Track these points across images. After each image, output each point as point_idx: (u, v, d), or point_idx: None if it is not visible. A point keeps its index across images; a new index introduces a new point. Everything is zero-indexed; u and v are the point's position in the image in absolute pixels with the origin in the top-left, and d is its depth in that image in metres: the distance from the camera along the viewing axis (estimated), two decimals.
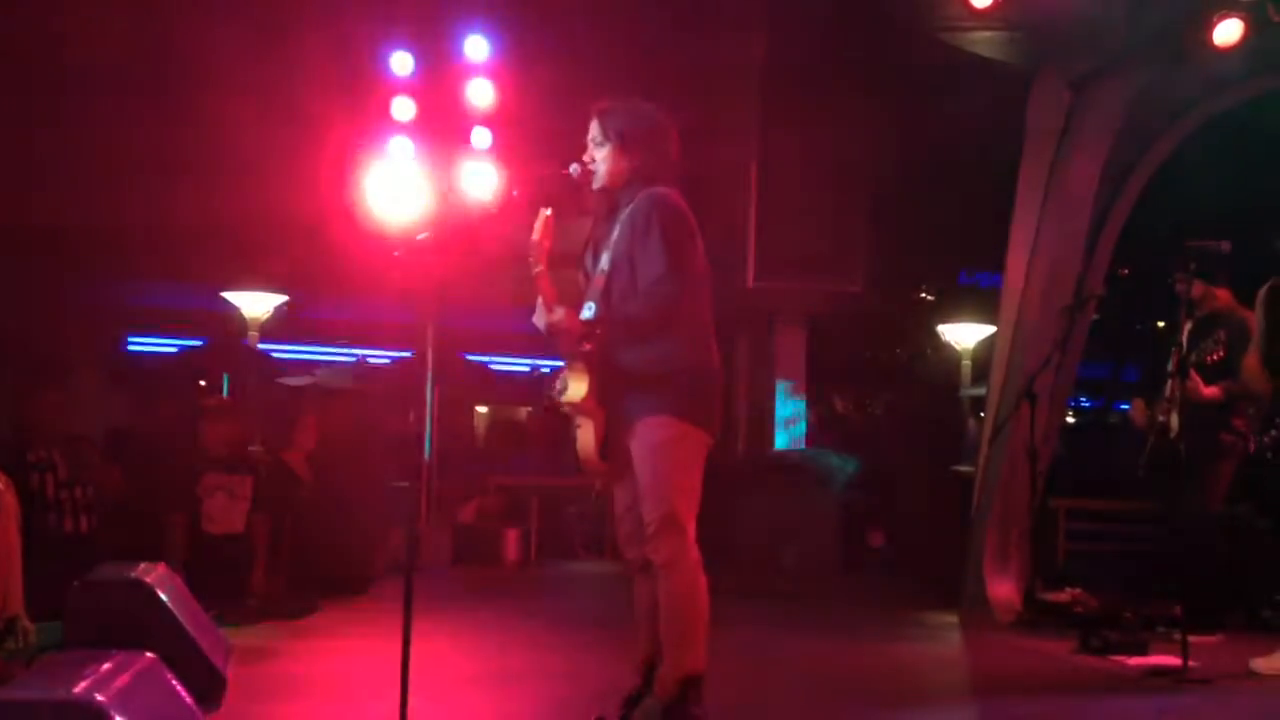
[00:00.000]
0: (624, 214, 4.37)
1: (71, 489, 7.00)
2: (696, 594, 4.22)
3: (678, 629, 4.21)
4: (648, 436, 4.23)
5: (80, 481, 7.05)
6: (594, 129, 4.46)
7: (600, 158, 4.43)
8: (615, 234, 4.38)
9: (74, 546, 6.72)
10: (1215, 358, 6.63)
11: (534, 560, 10.57)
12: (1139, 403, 7.21)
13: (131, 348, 15.33)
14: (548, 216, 4.29)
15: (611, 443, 4.32)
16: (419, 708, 4.11)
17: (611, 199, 4.46)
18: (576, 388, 4.25)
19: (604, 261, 4.39)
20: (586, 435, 4.30)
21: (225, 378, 12.56)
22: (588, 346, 4.27)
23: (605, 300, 4.33)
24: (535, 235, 4.28)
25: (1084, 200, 7.79)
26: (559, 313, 4.24)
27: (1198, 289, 6.70)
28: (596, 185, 4.43)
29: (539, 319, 4.30)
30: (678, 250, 4.23)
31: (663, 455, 4.22)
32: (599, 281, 4.38)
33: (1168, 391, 6.70)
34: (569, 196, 4.55)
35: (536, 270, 4.26)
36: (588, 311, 4.39)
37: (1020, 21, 7.70)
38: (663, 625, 4.24)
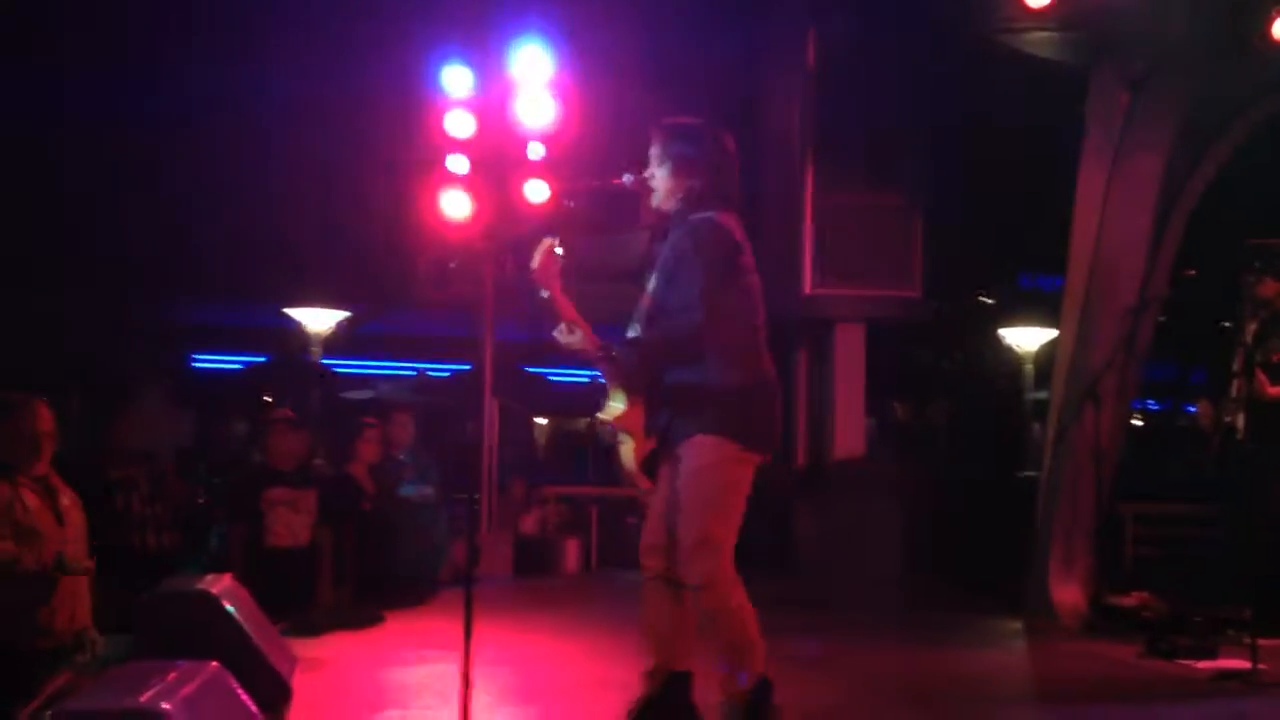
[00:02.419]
0: (673, 235, 4.42)
1: (153, 505, 7.12)
2: (733, 609, 4.26)
3: (727, 643, 4.26)
4: (693, 458, 4.27)
5: (160, 498, 7.18)
6: (654, 146, 4.49)
7: (659, 176, 4.46)
8: (663, 254, 4.44)
9: (158, 562, 6.82)
10: None
11: (594, 570, 10.59)
12: (1205, 404, 7.11)
13: (196, 365, 15.58)
14: (549, 244, 4.34)
15: (653, 458, 4.39)
16: (480, 717, 4.14)
17: (666, 219, 4.50)
18: (613, 405, 4.36)
19: (651, 282, 4.45)
20: (628, 450, 4.40)
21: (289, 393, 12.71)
22: (606, 366, 4.34)
23: (645, 321, 4.39)
24: (534, 263, 4.32)
25: (1146, 200, 7.68)
26: (577, 334, 4.32)
27: (1270, 287, 6.60)
28: (655, 204, 4.48)
29: (560, 337, 4.38)
30: (713, 279, 4.25)
31: (705, 478, 4.25)
32: (645, 301, 4.45)
33: (1234, 392, 6.59)
34: (623, 208, 4.59)
35: (543, 296, 4.32)
36: (632, 331, 4.46)
37: (1076, 20, 7.61)
38: (711, 644, 4.29)
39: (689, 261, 4.29)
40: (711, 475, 4.25)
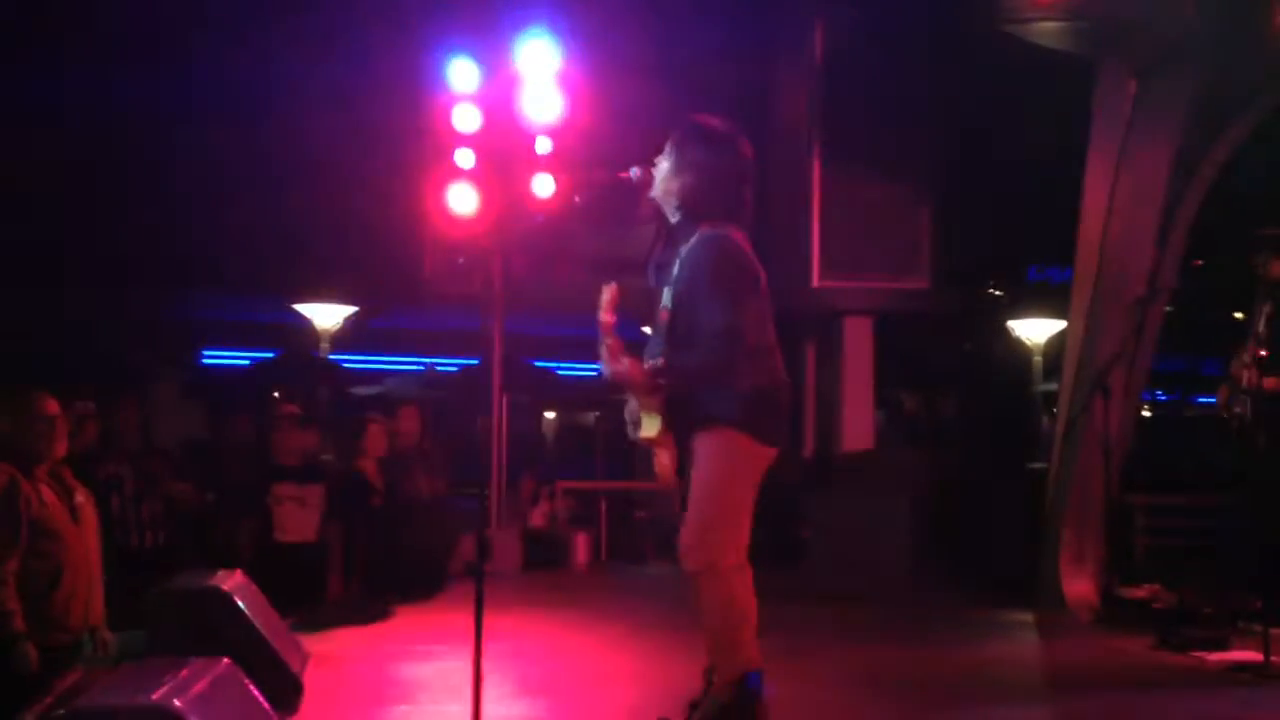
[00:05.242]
0: (683, 251, 4.38)
1: (138, 504, 7.08)
2: (733, 599, 4.24)
3: (722, 634, 4.24)
4: (704, 446, 4.29)
5: (148, 496, 7.14)
6: (672, 141, 4.45)
7: (661, 170, 4.44)
8: (675, 270, 4.40)
9: (139, 561, 6.78)
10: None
11: (603, 563, 10.60)
12: (1224, 391, 7.03)
13: (206, 361, 15.61)
14: (613, 289, 4.35)
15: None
16: (491, 710, 4.14)
17: (670, 227, 4.47)
18: (649, 425, 4.36)
19: (666, 298, 4.42)
20: (664, 460, 4.42)
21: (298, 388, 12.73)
22: (655, 395, 4.33)
23: (669, 338, 4.37)
24: (601, 315, 4.34)
25: (1154, 190, 7.66)
26: (624, 363, 4.32)
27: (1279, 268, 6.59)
28: (653, 194, 4.46)
29: (606, 367, 4.37)
30: (736, 299, 4.23)
31: (715, 466, 4.26)
32: (663, 316, 4.43)
33: (1245, 381, 6.56)
34: (629, 202, 4.56)
35: (607, 342, 4.33)
36: (654, 344, 4.44)
37: (1084, 10, 7.59)
38: (706, 632, 4.27)
39: (709, 284, 4.25)
40: (721, 464, 4.26)
